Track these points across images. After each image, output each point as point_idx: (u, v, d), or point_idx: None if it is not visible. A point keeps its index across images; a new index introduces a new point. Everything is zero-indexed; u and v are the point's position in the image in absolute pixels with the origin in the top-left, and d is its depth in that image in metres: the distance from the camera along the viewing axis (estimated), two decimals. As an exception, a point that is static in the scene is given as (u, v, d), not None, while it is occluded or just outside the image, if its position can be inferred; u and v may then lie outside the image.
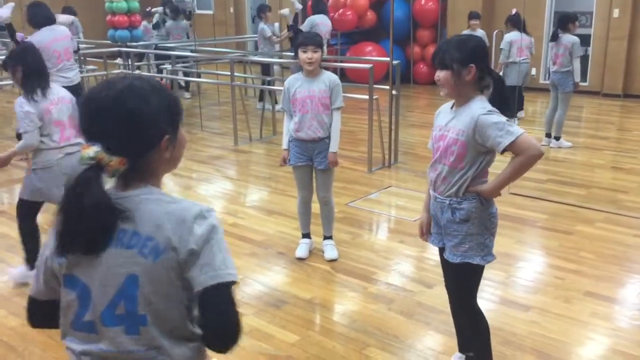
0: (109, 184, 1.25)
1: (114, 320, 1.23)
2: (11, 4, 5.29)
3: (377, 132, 5.87)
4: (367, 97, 5.72)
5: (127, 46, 8.07)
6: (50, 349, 2.89)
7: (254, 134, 7.12)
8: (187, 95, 9.50)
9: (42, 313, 1.36)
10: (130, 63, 7.88)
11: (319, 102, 3.60)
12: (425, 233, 2.50)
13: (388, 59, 6.17)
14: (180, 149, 1.32)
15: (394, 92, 5.82)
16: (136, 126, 1.22)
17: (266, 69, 8.33)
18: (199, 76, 8.98)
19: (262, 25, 8.55)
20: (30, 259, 3.49)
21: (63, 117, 3.43)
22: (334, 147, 3.69)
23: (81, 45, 6.69)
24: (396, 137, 6.01)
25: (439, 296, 3.23)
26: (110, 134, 1.20)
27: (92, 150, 1.18)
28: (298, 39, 3.69)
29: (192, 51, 8.55)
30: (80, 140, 1.25)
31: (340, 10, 10.87)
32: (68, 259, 1.25)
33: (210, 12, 14.23)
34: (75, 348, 1.27)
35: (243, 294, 3.35)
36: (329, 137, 3.68)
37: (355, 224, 4.48)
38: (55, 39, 5.57)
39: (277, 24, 9.04)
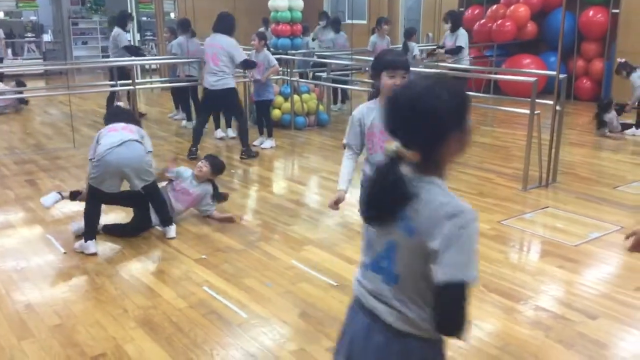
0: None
1: (377, 270, 1.53)
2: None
3: (535, 148, 5.60)
4: (524, 111, 5.48)
5: (287, 54, 8.44)
6: (211, 332, 3.11)
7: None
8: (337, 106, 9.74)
9: None
10: (289, 70, 8.23)
11: None
12: None
13: (550, 72, 5.88)
14: (466, 139, 1.46)
15: (557, 107, 5.52)
16: (428, 126, 1.40)
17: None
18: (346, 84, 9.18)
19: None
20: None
21: None
22: None
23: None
24: (556, 155, 5.69)
25: (602, 329, 3.02)
26: (407, 131, 1.42)
27: (394, 145, 1.42)
28: (384, 59, 2.96)
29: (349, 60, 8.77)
30: None
31: (499, 21, 10.55)
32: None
33: (364, 22, 14.48)
34: (357, 277, 1.62)
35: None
36: None
37: (508, 243, 4.31)
38: (211, 44, 6.54)
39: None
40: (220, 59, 6.43)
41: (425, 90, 1.41)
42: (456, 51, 8.14)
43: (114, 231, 4.41)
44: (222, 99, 6.64)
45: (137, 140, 4.19)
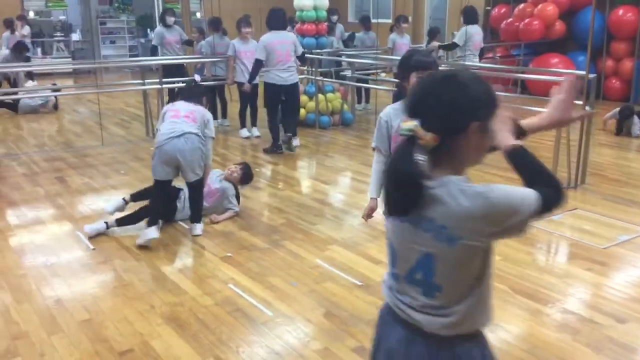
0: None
1: (413, 282, 1.48)
2: None
3: (563, 149, 5.52)
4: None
5: (312, 53, 8.44)
6: (237, 330, 3.13)
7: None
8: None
9: None
10: (314, 69, 8.23)
11: None
12: None
13: (579, 72, 5.79)
14: (488, 140, 1.45)
15: (587, 108, 5.44)
16: (450, 108, 1.37)
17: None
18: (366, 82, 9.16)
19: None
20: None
21: None
22: None
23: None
24: (585, 156, 5.60)
25: (631, 333, 2.97)
26: (428, 112, 1.38)
27: (412, 123, 1.37)
28: (413, 59, 2.85)
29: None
30: None
31: (526, 20, 10.41)
32: (388, 224, 1.53)
33: (389, 21, 14.42)
34: (389, 284, 1.58)
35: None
36: None
37: (535, 245, 4.26)
38: (281, 41, 6.63)
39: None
40: (291, 55, 6.65)
41: (450, 73, 1.44)
42: (450, 47, 8.03)
43: (136, 217, 4.49)
44: (291, 94, 6.80)
45: (196, 134, 4.27)
